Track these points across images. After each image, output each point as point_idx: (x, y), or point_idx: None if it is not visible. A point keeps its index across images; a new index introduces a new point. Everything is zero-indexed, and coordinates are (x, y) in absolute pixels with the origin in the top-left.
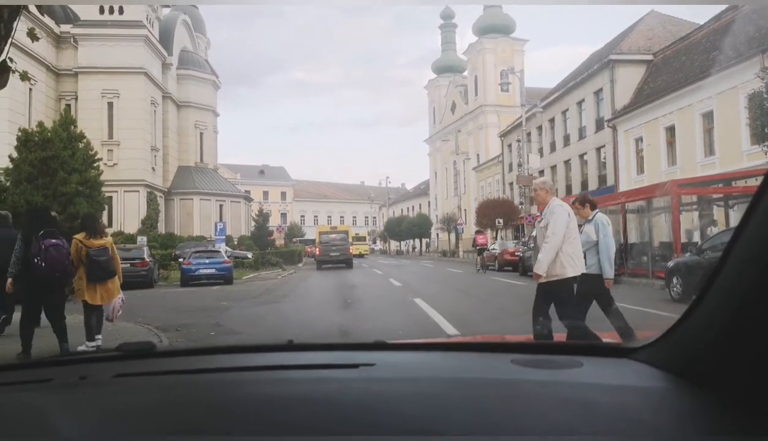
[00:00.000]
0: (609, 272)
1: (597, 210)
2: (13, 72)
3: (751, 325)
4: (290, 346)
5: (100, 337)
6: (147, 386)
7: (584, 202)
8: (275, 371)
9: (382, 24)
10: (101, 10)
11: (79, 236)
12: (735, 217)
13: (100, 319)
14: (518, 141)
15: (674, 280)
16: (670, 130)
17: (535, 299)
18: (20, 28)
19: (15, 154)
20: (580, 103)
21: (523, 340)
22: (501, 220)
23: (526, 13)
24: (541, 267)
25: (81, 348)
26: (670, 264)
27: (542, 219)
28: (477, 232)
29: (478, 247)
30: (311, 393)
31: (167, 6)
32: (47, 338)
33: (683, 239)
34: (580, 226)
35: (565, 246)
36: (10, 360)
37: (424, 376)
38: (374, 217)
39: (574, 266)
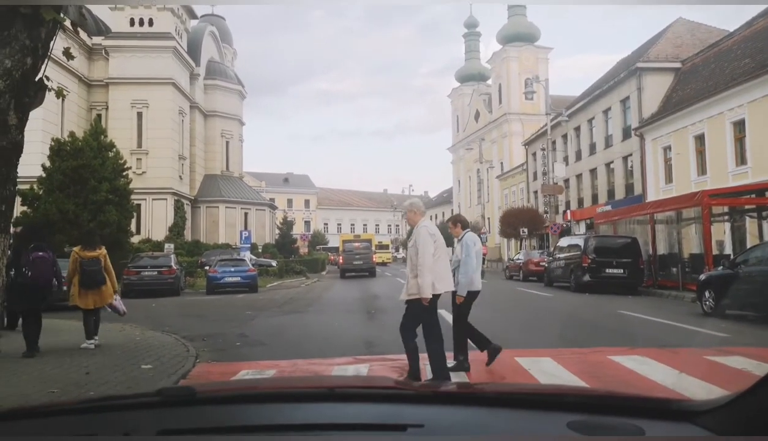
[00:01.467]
0: (461, 290)
1: (467, 229)
2: (49, 89)
3: None
4: (332, 396)
5: (96, 339)
6: None
7: (456, 222)
8: (317, 433)
9: (406, 34)
10: (131, 23)
11: (77, 249)
12: None
13: (97, 322)
14: (543, 149)
15: (706, 293)
16: (700, 139)
17: (403, 317)
18: (56, 46)
19: (48, 164)
20: (606, 112)
21: (577, 394)
22: (525, 230)
23: (551, 22)
24: (425, 291)
25: (83, 346)
26: (702, 277)
27: (411, 239)
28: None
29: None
30: None
31: (195, 18)
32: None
33: (714, 251)
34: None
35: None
36: (47, 402)
37: None
38: (397, 225)
39: (434, 284)
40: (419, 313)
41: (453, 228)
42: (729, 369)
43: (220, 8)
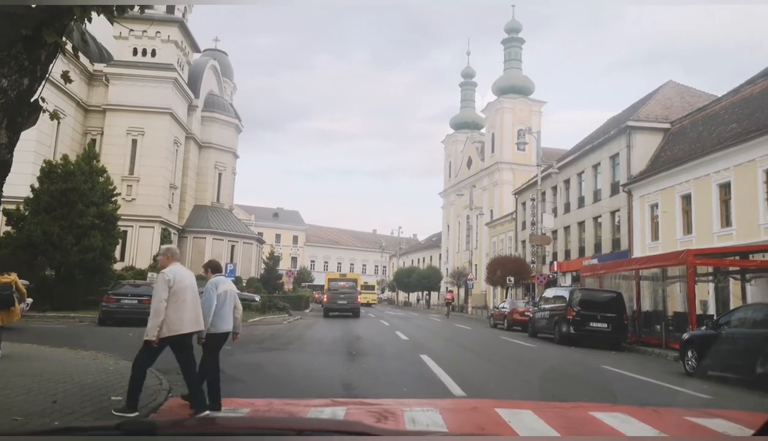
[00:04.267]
0: (201, 332)
1: (218, 274)
2: (44, 111)
3: None
4: (300, 439)
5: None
6: None
7: (207, 268)
8: None
9: (407, 80)
10: (134, 52)
11: None
12: (751, 291)
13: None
14: (533, 200)
15: (689, 353)
16: (686, 199)
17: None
18: (55, 69)
19: (37, 185)
20: (596, 167)
21: None
22: (512, 278)
23: (545, 77)
24: (148, 331)
25: None
26: (685, 336)
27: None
28: (448, 291)
29: (446, 301)
30: None
31: (198, 52)
32: None
33: (698, 311)
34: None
35: (168, 310)
36: (7, 429)
37: None
38: (384, 267)
39: (169, 327)
40: (147, 349)
41: (205, 273)
42: (710, 431)
43: (223, 44)
